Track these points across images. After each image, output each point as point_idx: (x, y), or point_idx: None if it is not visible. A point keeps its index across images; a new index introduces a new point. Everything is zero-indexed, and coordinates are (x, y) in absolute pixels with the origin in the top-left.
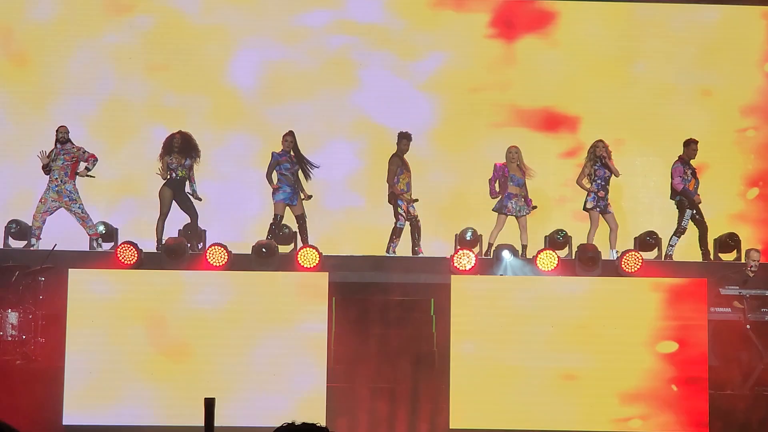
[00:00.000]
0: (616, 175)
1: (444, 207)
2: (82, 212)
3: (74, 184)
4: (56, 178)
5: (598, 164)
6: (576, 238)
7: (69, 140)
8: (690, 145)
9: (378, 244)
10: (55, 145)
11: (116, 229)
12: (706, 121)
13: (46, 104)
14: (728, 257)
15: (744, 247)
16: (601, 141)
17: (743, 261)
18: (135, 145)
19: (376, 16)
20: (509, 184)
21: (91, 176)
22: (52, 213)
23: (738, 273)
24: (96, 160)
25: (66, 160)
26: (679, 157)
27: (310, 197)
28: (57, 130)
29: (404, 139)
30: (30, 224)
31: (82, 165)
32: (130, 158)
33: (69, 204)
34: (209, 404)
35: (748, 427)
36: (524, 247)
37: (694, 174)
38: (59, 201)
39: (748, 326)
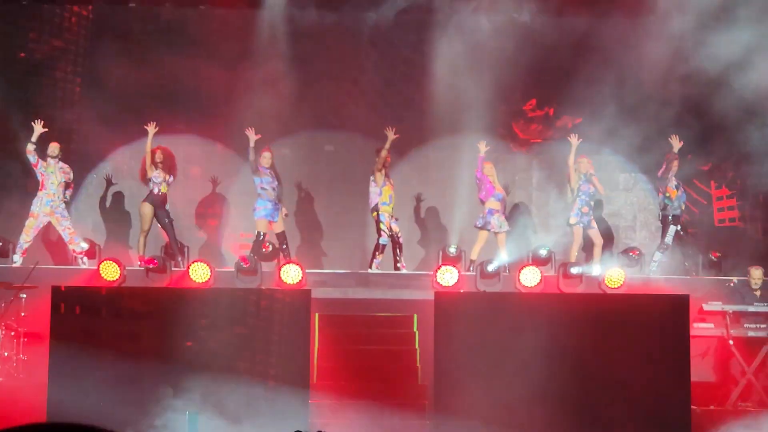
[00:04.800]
0: (601, 193)
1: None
2: (71, 229)
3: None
4: (53, 193)
5: (583, 180)
6: (559, 253)
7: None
8: (675, 162)
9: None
10: (47, 159)
11: (99, 246)
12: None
13: None
14: (711, 274)
15: (726, 265)
16: (584, 157)
17: (733, 278)
18: None
19: None
20: (491, 199)
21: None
22: (41, 228)
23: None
24: (72, 190)
25: (64, 178)
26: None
27: (287, 215)
28: (51, 146)
29: (386, 146)
30: (8, 239)
31: (67, 191)
32: None
33: (60, 220)
34: (192, 419)
35: None
36: (505, 263)
37: (678, 186)
38: (51, 216)
39: (731, 342)
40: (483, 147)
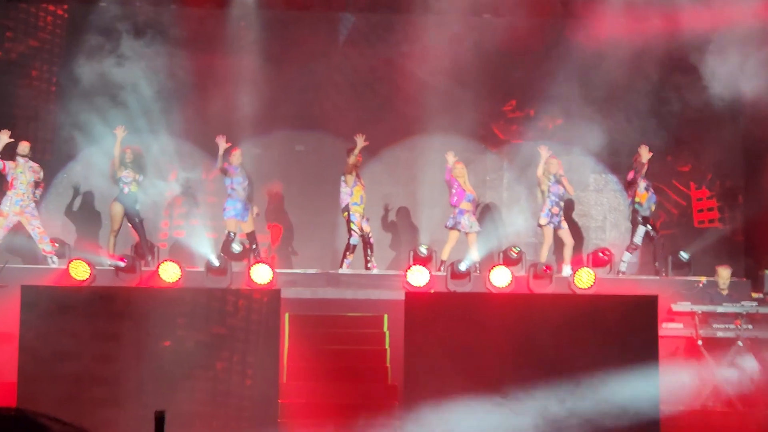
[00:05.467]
0: (570, 194)
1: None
2: (41, 228)
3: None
4: (22, 193)
5: (552, 180)
6: (530, 254)
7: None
8: (639, 168)
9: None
10: (16, 159)
11: (69, 246)
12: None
13: None
14: (681, 274)
15: (696, 265)
16: (554, 158)
17: (701, 278)
18: None
19: None
20: (462, 201)
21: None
22: (10, 227)
23: (699, 291)
24: (42, 190)
25: (34, 177)
26: (631, 169)
27: (258, 214)
28: (20, 145)
29: (355, 152)
30: None
31: (37, 190)
32: None
33: (30, 219)
34: (159, 418)
35: None
36: (475, 263)
37: (648, 188)
38: (20, 215)
39: (699, 342)
40: (451, 158)
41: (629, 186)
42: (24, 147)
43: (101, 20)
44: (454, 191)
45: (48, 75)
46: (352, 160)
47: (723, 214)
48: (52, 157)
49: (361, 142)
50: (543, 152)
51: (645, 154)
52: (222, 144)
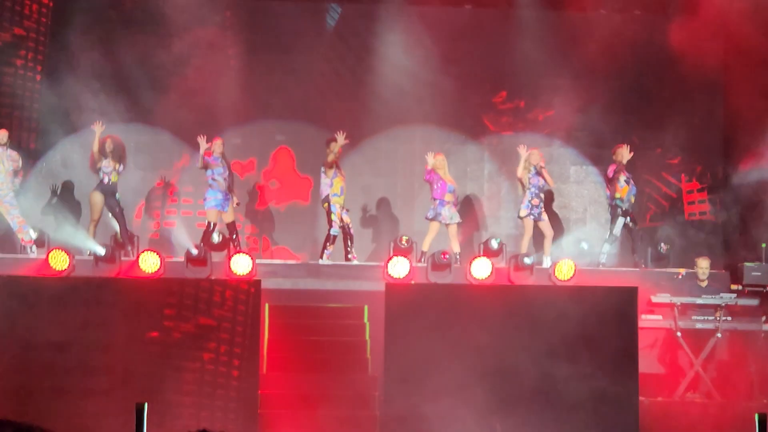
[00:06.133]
0: (550, 185)
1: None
2: (20, 218)
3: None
4: (1, 182)
5: (533, 172)
6: (510, 245)
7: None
8: (618, 150)
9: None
10: None
11: (48, 236)
12: None
13: None
14: (660, 266)
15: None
16: (535, 149)
17: (681, 270)
18: None
19: None
20: (446, 193)
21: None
22: None
23: (678, 282)
24: (21, 178)
25: (12, 166)
26: (613, 163)
27: (238, 204)
28: None
29: (334, 143)
30: None
31: (16, 179)
32: None
33: (9, 209)
34: (140, 409)
35: None
36: (456, 254)
37: (628, 181)
38: None
39: (678, 333)
40: (431, 159)
41: (609, 182)
42: (2, 136)
43: (87, 8)
44: (436, 186)
45: (33, 63)
46: (330, 157)
47: (714, 206)
48: (35, 146)
49: (341, 140)
50: (522, 152)
51: (625, 155)
52: (203, 144)
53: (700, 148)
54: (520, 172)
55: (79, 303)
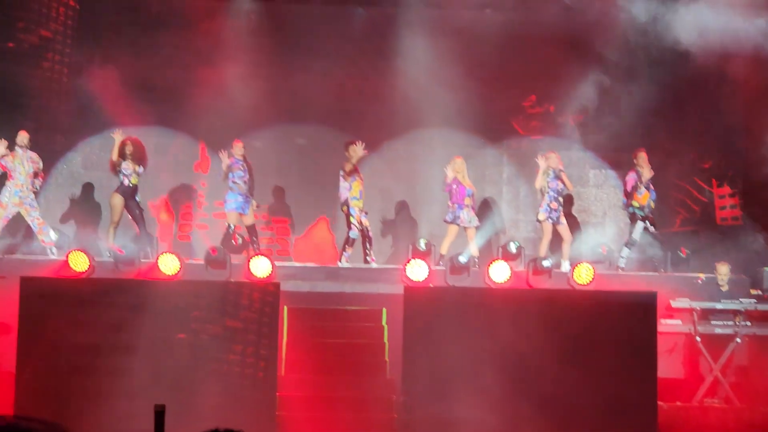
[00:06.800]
0: (569, 189)
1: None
2: (40, 219)
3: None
4: (21, 183)
5: (551, 176)
6: (528, 249)
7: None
8: (639, 155)
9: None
10: (15, 149)
11: (68, 237)
12: None
13: None
14: (680, 270)
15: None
16: (554, 153)
17: (700, 275)
18: None
19: None
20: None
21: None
22: (9, 218)
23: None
24: (43, 180)
25: (33, 168)
26: (633, 168)
27: (258, 207)
28: (19, 135)
29: (353, 146)
30: None
31: (37, 180)
32: None
33: (29, 210)
34: (159, 411)
35: None
36: (474, 258)
37: (647, 186)
38: (20, 207)
39: (698, 338)
40: (451, 173)
41: (627, 195)
42: (22, 137)
43: (112, 11)
44: (455, 194)
45: (60, 66)
46: (348, 167)
47: (744, 211)
48: (60, 148)
49: (360, 150)
50: (541, 163)
51: (647, 173)
52: (225, 160)
53: (732, 153)
54: (538, 184)
55: (107, 305)
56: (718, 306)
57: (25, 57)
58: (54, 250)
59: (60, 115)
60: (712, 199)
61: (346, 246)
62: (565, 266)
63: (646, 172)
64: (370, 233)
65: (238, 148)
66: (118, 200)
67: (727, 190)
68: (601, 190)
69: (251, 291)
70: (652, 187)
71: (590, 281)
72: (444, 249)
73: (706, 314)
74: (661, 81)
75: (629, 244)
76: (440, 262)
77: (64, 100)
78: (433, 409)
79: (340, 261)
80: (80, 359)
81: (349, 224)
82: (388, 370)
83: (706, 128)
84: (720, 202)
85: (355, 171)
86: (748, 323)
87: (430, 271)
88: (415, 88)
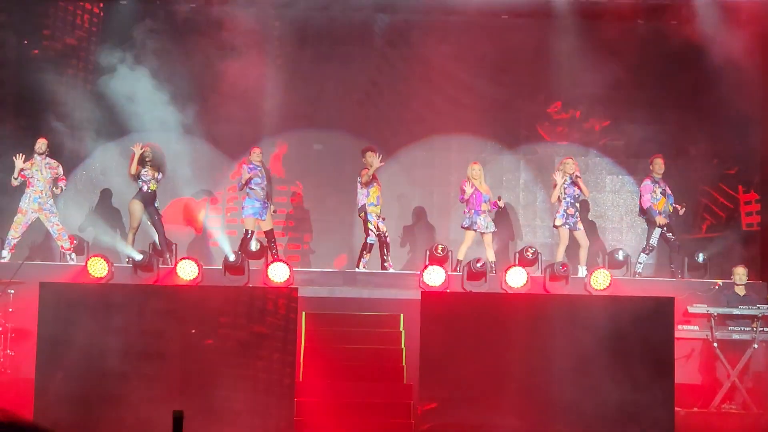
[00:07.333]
0: (585, 195)
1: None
2: (60, 225)
3: (53, 198)
4: (40, 190)
5: (568, 182)
6: (545, 254)
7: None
8: (655, 160)
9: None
10: (33, 156)
11: (87, 243)
12: None
13: None
14: (697, 276)
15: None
16: (570, 158)
17: (718, 281)
18: None
19: None
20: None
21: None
22: (29, 224)
23: (715, 293)
24: (66, 183)
25: (51, 174)
26: (648, 174)
27: (275, 212)
28: (38, 142)
29: (370, 152)
30: None
31: (59, 184)
32: None
33: (48, 216)
34: (178, 418)
35: None
36: (492, 263)
37: (663, 192)
38: (39, 212)
39: (715, 344)
40: (469, 189)
41: (644, 212)
42: (41, 144)
43: (136, 18)
44: (471, 201)
45: (84, 73)
46: (365, 178)
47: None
48: (82, 154)
49: (377, 161)
50: (558, 179)
51: (661, 166)
52: (245, 173)
53: (758, 159)
54: (554, 198)
55: (134, 310)
56: (736, 312)
57: (50, 64)
58: (73, 255)
59: (84, 122)
60: (738, 205)
61: (364, 252)
62: (582, 272)
63: (661, 175)
64: (388, 239)
65: (255, 154)
66: (137, 206)
67: (753, 195)
68: (617, 195)
69: (276, 297)
70: (669, 191)
71: (607, 287)
72: (461, 255)
73: (724, 320)
74: (685, 87)
75: (647, 249)
76: (457, 268)
77: (88, 107)
78: (450, 414)
79: (358, 267)
80: (101, 365)
81: (366, 230)
82: (405, 376)
83: (733, 134)
84: (746, 208)
85: (372, 178)
86: (766, 329)
87: (447, 277)
88: (431, 93)
